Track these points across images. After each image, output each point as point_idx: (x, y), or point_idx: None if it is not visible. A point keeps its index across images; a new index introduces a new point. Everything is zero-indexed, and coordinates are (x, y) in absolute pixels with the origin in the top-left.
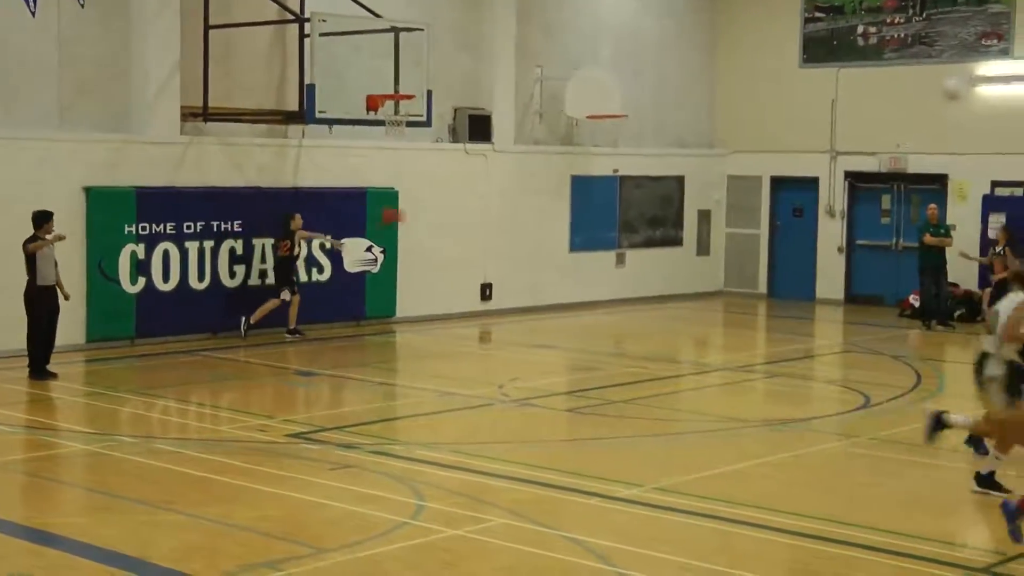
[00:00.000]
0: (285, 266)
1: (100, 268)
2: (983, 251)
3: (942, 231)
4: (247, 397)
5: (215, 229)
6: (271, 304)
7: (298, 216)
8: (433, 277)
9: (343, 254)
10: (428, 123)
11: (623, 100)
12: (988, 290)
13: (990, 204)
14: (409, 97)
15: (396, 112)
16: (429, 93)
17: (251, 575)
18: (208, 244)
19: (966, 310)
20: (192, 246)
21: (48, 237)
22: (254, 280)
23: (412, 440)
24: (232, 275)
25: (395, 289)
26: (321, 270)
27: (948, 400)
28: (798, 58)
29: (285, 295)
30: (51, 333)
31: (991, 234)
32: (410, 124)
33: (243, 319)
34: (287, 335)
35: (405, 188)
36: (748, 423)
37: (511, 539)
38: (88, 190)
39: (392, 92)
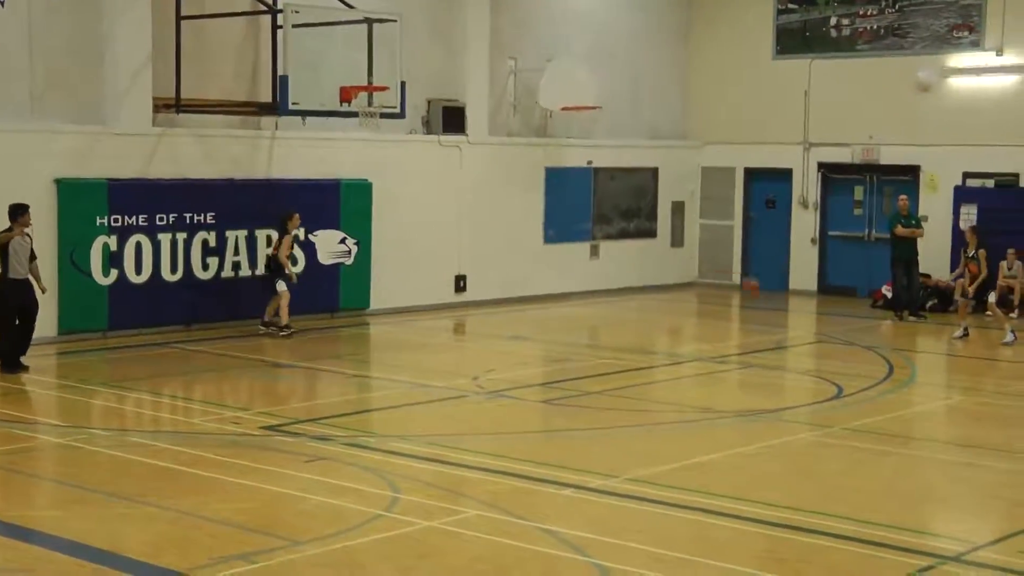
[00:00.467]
0: (278, 262)
1: (72, 260)
2: (954, 243)
3: (913, 222)
4: (221, 389)
5: (188, 221)
6: (284, 300)
7: (296, 215)
8: (407, 269)
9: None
10: (402, 115)
11: (597, 92)
12: (961, 281)
13: (961, 195)
14: (383, 89)
15: (370, 104)
16: (403, 85)
17: (224, 567)
18: (181, 236)
19: (938, 301)
20: (165, 238)
21: (26, 231)
22: (227, 272)
23: (387, 432)
24: (205, 267)
25: (369, 281)
26: (295, 262)
27: (919, 390)
28: (771, 50)
29: (280, 285)
30: (27, 327)
31: (962, 225)
32: (384, 116)
33: (278, 329)
34: (261, 327)
35: (379, 180)
36: (722, 414)
37: (486, 530)
38: (59, 182)
39: (366, 84)
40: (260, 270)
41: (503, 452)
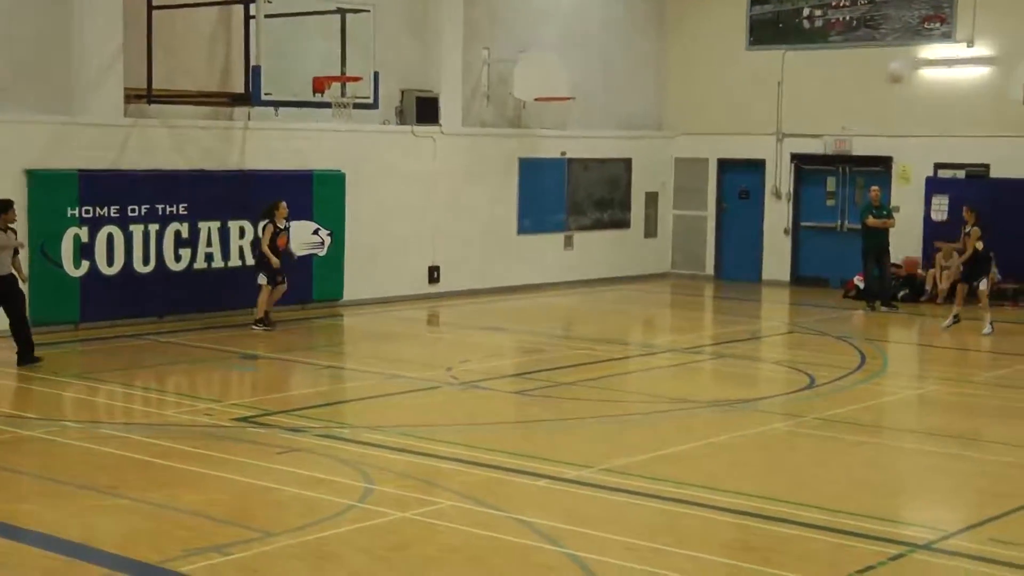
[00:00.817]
0: (262, 254)
1: (43, 251)
2: (926, 234)
3: (884, 213)
4: (193, 381)
5: (160, 212)
6: (263, 295)
7: (283, 204)
8: (380, 260)
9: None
10: (375, 105)
11: (571, 82)
12: (933, 271)
13: (933, 186)
14: (356, 79)
15: (343, 94)
16: (376, 75)
17: (197, 559)
18: (153, 227)
19: (909, 291)
20: (137, 229)
21: (11, 226)
22: (200, 264)
23: (360, 423)
24: (178, 259)
25: (342, 272)
26: (277, 253)
27: (891, 380)
28: (745, 41)
29: (261, 278)
30: (14, 320)
31: (934, 216)
32: (357, 106)
33: (255, 322)
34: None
35: (352, 171)
36: (695, 404)
37: (460, 521)
38: (30, 173)
39: (339, 74)
40: (235, 262)
41: (477, 443)
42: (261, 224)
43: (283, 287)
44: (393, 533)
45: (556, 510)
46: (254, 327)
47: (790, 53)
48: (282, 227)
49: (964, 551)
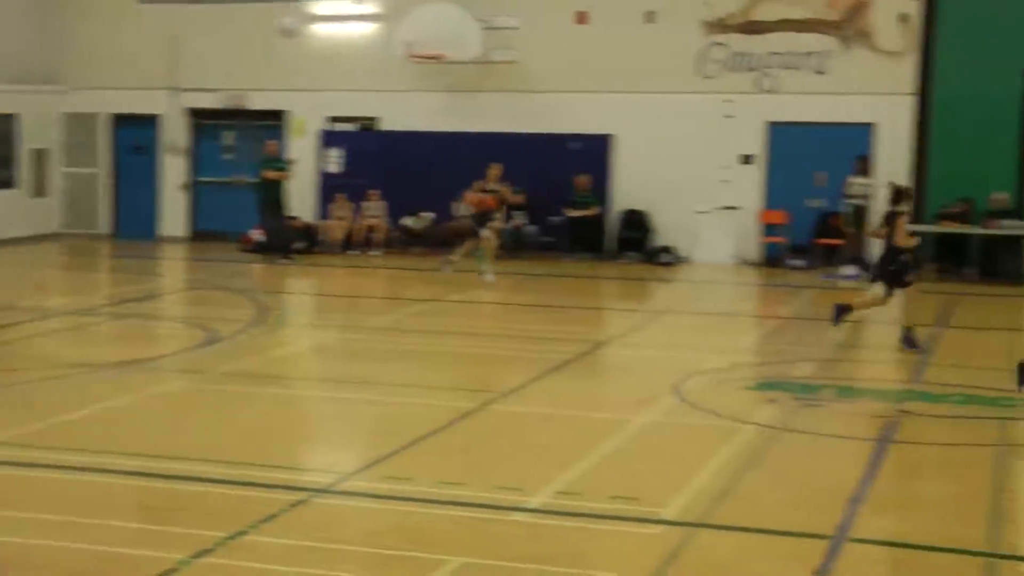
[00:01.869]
0: None
1: None
2: (323, 186)
3: (281, 166)
4: None
5: None
6: None
7: None
8: None
9: None
10: None
11: None
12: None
13: (328, 139)
14: None
15: None
16: None
17: None
18: None
19: (307, 243)
20: None
21: None
22: None
23: None
24: None
25: None
26: None
27: (290, 330)
28: None
29: None
30: None
31: (330, 168)
32: None
33: None
34: None
35: None
36: (93, 367)
37: None
38: None
39: None
40: None
41: None
42: None
43: None
44: None
45: None
46: None
47: (185, 8)
48: None
49: (362, 491)
